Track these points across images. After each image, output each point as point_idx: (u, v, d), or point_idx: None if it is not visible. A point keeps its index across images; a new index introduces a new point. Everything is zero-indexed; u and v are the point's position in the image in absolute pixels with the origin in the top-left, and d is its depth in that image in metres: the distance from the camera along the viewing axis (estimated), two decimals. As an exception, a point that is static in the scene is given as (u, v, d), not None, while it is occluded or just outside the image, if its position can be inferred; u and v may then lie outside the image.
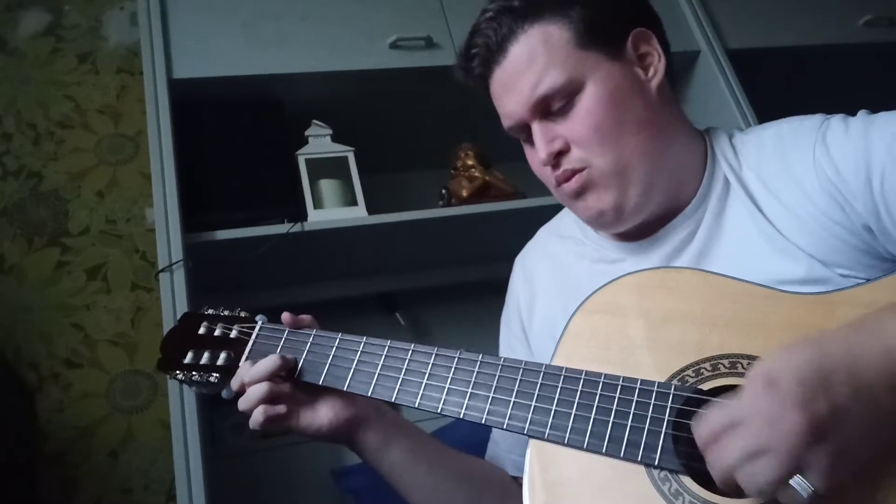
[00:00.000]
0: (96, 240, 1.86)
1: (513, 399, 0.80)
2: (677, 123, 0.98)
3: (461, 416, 0.82)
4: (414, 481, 0.97)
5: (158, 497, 1.65)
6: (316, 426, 0.91)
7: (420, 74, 1.74)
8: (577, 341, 0.82)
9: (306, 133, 1.72)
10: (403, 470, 0.96)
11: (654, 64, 0.95)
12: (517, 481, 1.02)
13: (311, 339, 0.93)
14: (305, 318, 0.97)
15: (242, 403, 0.89)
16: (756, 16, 2.02)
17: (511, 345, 1.10)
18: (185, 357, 0.97)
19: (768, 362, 0.62)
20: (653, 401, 0.74)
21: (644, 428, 0.73)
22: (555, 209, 1.16)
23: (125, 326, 1.79)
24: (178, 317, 1.06)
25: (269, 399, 0.88)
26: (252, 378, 0.89)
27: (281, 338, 0.94)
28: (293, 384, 0.91)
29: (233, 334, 0.97)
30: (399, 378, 0.86)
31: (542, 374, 0.81)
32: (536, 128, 0.93)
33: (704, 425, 0.63)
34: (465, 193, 1.81)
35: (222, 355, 0.95)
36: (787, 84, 1.96)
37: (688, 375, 0.75)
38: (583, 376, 0.79)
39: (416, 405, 0.84)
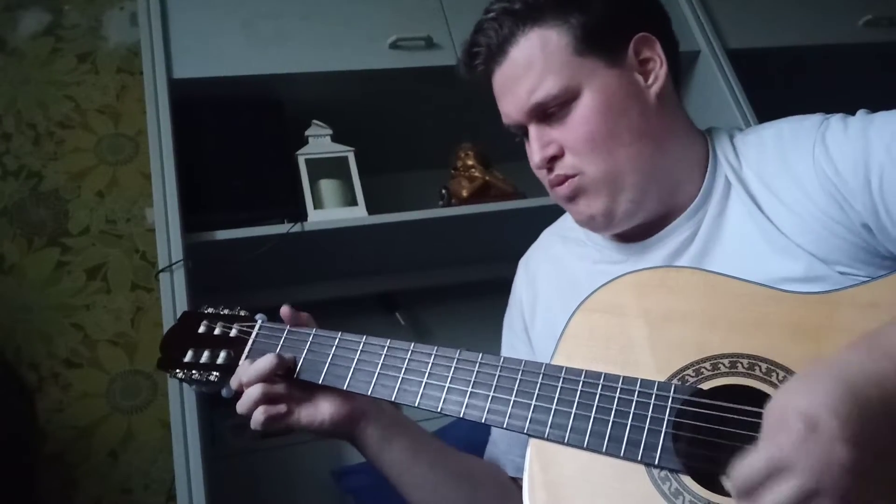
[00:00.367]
0: (96, 240, 1.86)
1: (513, 398, 0.80)
2: (678, 127, 0.97)
3: (461, 416, 0.82)
4: (414, 479, 0.97)
5: (158, 497, 1.65)
6: (318, 422, 0.91)
7: (420, 74, 1.74)
8: (577, 340, 0.82)
9: (306, 133, 1.72)
10: (404, 467, 0.96)
11: (656, 70, 0.95)
12: (516, 482, 1.03)
13: (310, 338, 0.93)
14: (304, 314, 0.98)
15: (241, 405, 0.89)
16: (756, 16, 2.02)
17: (514, 346, 1.10)
18: (184, 356, 0.97)
19: (796, 399, 0.59)
20: (653, 400, 0.75)
21: (644, 427, 0.73)
22: (555, 209, 1.16)
23: (125, 326, 1.79)
24: (178, 316, 1.06)
25: (269, 399, 0.89)
26: (250, 378, 0.89)
27: (281, 337, 0.94)
28: (292, 383, 0.91)
29: (232, 333, 0.97)
30: (399, 377, 0.86)
31: (541, 373, 0.81)
32: (532, 131, 0.94)
33: (742, 475, 0.59)
34: (465, 193, 1.81)
35: (222, 354, 0.96)
36: (787, 84, 1.96)
37: (688, 375, 0.75)
38: (583, 376, 0.79)
39: (416, 404, 0.84)
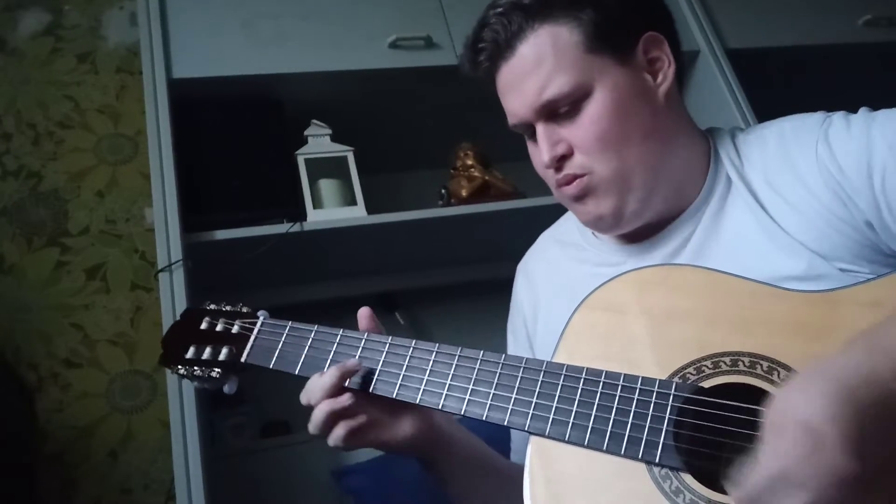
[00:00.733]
0: (96, 240, 1.86)
1: (514, 396, 0.80)
2: (682, 127, 0.97)
3: (462, 413, 0.82)
4: (482, 499, 0.97)
5: (158, 497, 1.65)
6: (401, 436, 0.89)
7: (420, 74, 1.74)
8: (578, 338, 0.82)
9: (306, 133, 1.72)
10: (473, 488, 0.96)
11: (664, 69, 0.94)
12: None
13: (312, 335, 0.93)
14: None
15: (314, 425, 0.86)
16: (756, 16, 2.02)
17: (517, 354, 1.10)
18: (186, 352, 0.97)
19: (796, 406, 0.59)
20: (654, 398, 0.74)
21: (645, 425, 0.73)
22: (555, 209, 1.16)
23: (125, 326, 1.79)
24: (178, 316, 1.06)
25: (345, 413, 0.86)
26: (320, 396, 0.85)
27: (283, 333, 0.94)
28: (368, 397, 0.87)
29: (234, 329, 0.97)
30: (400, 374, 0.86)
31: (542, 371, 0.80)
32: (541, 129, 0.92)
33: (744, 488, 0.59)
34: (464, 193, 1.81)
35: (224, 351, 0.95)
36: (787, 84, 1.96)
37: (689, 373, 0.75)
38: (584, 374, 0.78)
39: (417, 401, 0.84)
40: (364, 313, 0.94)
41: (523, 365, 0.82)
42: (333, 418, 0.85)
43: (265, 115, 1.69)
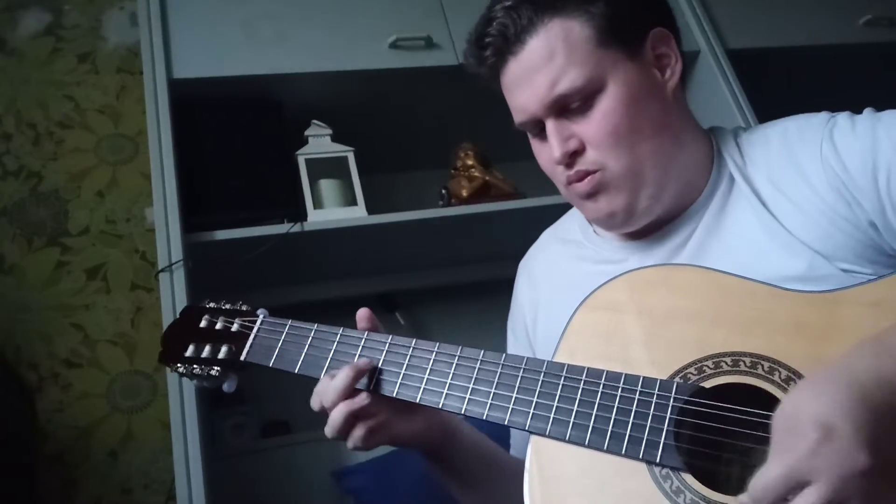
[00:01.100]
0: (96, 240, 1.87)
1: (514, 395, 0.80)
2: (688, 124, 0.97)
3: (462, 412, 0.82)
4: (485, 494, 0.98)
5: (158, 497, 1.65)
6: (414, 432, 0.90)
7: (420, 74, 1.74)
8: (579, 338, 0.82)
9: (306, 133, 1.72)
10: (477, 483, 0.96)
11: (672, 65, 0.94)
12: None
13: (312, 334, 0.92)
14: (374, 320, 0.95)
15: (331, 427, 0.85)
16: (756, 16, 2.02)
17: (517, 352, 1.09)
18: (186, 350, 0.97)
19: (808, 405, 0.59)
20: (655, 398, 0.74)
21: (646, 425, 0.73)
22: (555, 209, 1.16)
23: (125, 326, 1.79)
24: (180, 311, 1.05)
25: (362, 414, 0.85)
26: (335, 398, 0.84)
27: (282, 332, 0.94)
28: (379, 395, 0.87)
29: (234, 328, 0.97)
30: (400, 373, 0.86)
31: (543, 371, 0.80)
32: (551, 125, 0.90)
33: (760, 488, 0.58)
34: (464, 193, 1.81)
35: (223, 349, 0.95)
36: (787, 84, 1.96)
37: (690, 373, 0.75)
38: (584, 373, 0.78)
39: (418, 400, 0.84)
40: (363, 314, 0.93)
41: (524, 365, 0.82)
42: (352, 420, 0.85)
43: (265, 115, 1.69)
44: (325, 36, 1.70)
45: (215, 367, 0.94)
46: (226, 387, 0.93)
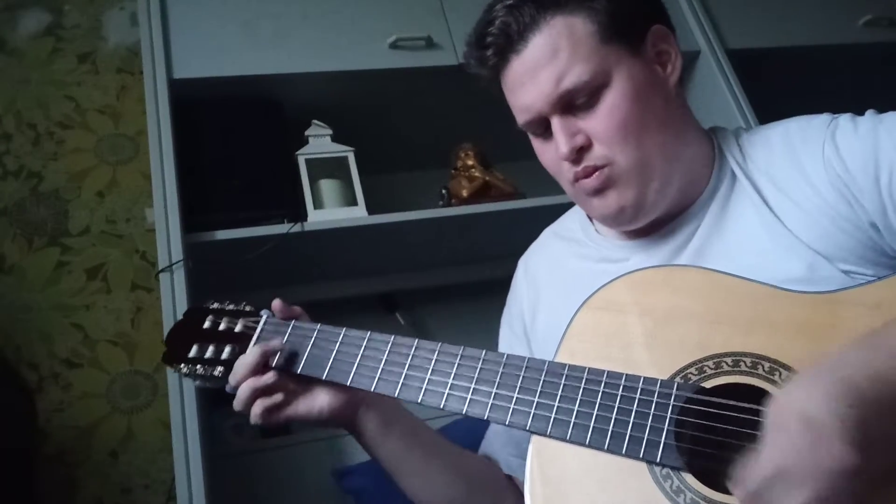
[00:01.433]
0: (96, 240, 1.87)
1: (515, 395, 0.80)
2: (690, 122, 0.98)
3: (464, 412, 0.82)
4: (410, 469, 0.97)
5: (158, 497, 1.65)
6: (316, 411, 0.91)
7: (420, 74, 1.74)
8: (580, 338, 0.82)
9: (306, 133, 1.72)
10: (401, 456, 0.96)
11: (672, 61, 0.94)
12: (510, 480, 1.03)
13: (315, 334, 0.93)
14: (296, 308, 0.97)
15: (237, 401, 0.89)
16: (756, 16, 2.02)
17: (511, 345, 1.10)
18: (189, 351, 0.97)
19: (797, 401, 0.59)
20: (655, 398, 0.74)
21: (646, 425, 0.73)
22: (555, 209, 1.16)
23: (125, 326, 1.79)
24: (179, 316, 1.05)
25: (264, 391, 0.89)
26: (243, 373, 0.89)
27: (286, 332, 0.94)
28: (289, 375, 0.91)
29: (237, 328, 0.97)
30: (402, 373, 0.86)
31: (544, 370, 0.80)
32: (557, 122, 0.90)
33: (743, 482, 0.59)
34: (465, 193, 1.81)
35: (227, 349, 0.95)
36: (787, 84, 1.96)
37: (691, 373, 0.75)
38: (585, 373, 0.78)
39: (419, 401, 0.84)
40: (276, 304, 0.96)
41: (525, 364, 0.82)
42: (254, 396, 0.88)
43: (265, 115, 1.69)
44: (325, 36, 1.70)
45: (219, 368, 0.94)
46: (229, 388, 0.93)
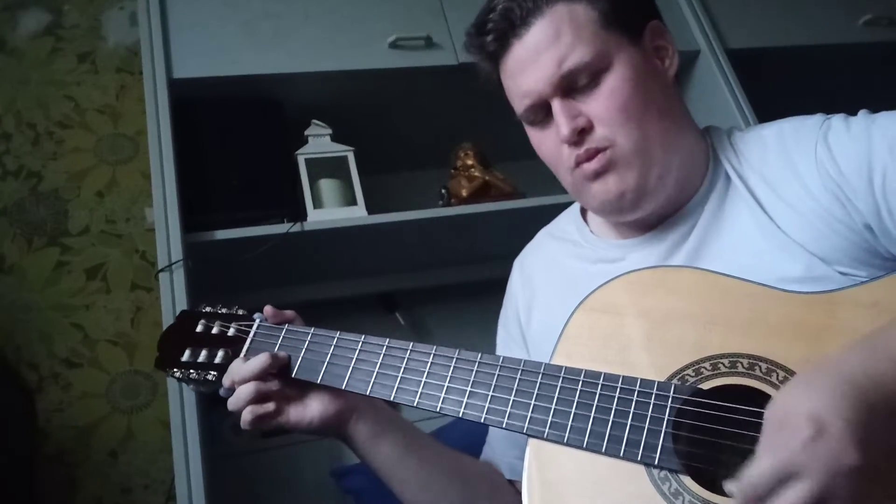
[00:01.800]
0: (96, 240, 1.87)
1: (512, 398, 0.80)
2: (686, 118, 0.98)
3: (460, 415, 0.82)
4: (405, 475, 0.96)
5: (158, 497, 1.65)
6: (307, 420, 0.91)
7: (420, 74, 1.74)
8: (576, 340, 0.82)
9: (306, 133, 1.72)
10: (395, 463, 0.95)
11: (669, 56, 0.96)
12: (513, 485, 1.02)
13: (309, 338, 0.93)
14: (289, 313, 0.97)
15: (231, 403, 0.89)
16: (756, 16, 2.02)
17: (508, 346, 1.10)
18: (182, 355, 0.97)
19: (800, 401, 0.59)
20: (653, 400, 0.74)
21: (644, 427, 0.73)
22: (554, 209, 1.16)
23: (125, 326, 1.79)
24: (176, 315, 1.05)
25: (258, 398, 0.89)
26: (243, 377, 0.89)
27: (279, 336, 0.94)
28: (285, 381, 0.91)
29: (230, 332, 0.97)
30: (398, 377, 0.86)
31: (541, 373, 0.80)
32: (558, 105, 0.90)
33: (749, 482, 0.58)
34: (464, 193, 1.81)
35: (220, 353, 0.95)
36: (786, 84, 1.96)
37: (688, 375, 0.75)
38: (582, 375, 0.78)
39: (415, 404, 0.84)
40: (268, 310, 0.96)
41: (521, 367, 0.82)
42: (250, 400, 0.88)
43: (265, 115, 1.69)
44: (325, 36, 1.70)
45: (212, 372, 0.94)
46: (222, 391, 0.93)
